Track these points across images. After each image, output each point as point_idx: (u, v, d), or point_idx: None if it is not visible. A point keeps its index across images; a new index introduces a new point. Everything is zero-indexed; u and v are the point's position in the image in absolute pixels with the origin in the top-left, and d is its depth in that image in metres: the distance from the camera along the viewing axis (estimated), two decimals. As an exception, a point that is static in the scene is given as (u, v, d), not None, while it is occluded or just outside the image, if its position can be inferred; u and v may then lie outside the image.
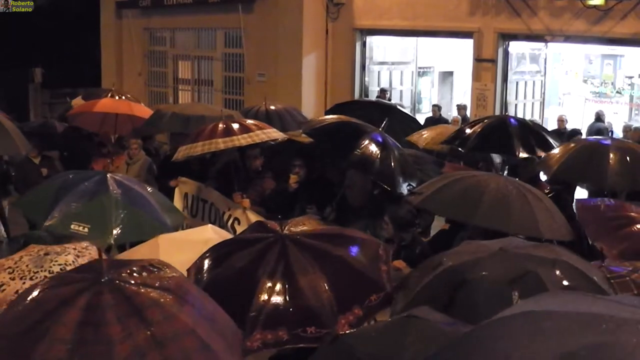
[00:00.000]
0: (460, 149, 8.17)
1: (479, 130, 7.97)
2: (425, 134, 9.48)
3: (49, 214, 5.30)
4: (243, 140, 7.00)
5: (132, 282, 2.81)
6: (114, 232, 5.30)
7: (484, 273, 3.65)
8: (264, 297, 3.80)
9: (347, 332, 3.43)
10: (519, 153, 7.66)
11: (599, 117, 14.63)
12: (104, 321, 2.61)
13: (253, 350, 3.66)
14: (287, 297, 3.82)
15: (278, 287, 3.84)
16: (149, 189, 6.05)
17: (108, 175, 5.72)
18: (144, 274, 2.90)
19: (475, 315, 3.21)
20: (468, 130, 8.15)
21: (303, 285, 3.84)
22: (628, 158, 6.43)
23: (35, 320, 2.60)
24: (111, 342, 2.55)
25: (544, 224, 5.16)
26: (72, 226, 5.23)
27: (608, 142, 7.00)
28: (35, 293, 2.79)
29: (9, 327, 2.64)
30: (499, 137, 7.87)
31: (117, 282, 2.78)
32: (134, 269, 2.91)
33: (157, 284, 2.83)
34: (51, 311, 2.63)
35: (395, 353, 2.95)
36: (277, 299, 3.81)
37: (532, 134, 7.87)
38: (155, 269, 2.98)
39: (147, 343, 2.59)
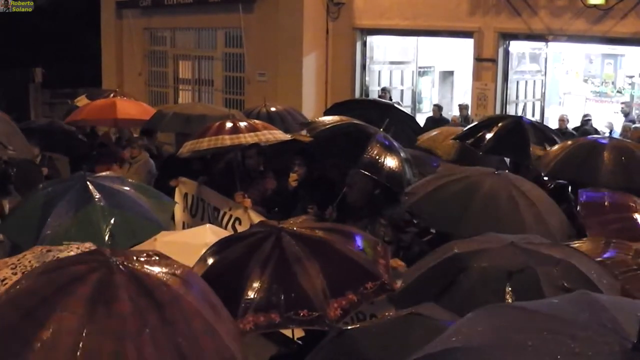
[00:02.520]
0: (474, 148, 8.05)
1: (494, 132, 7.92)
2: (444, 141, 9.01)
3: (37, 238, 5.11)
4: (250, 138, 7.03)
5: (140, 265, 2.90)
6: (107, 243, 5.16)
7: (484, 264, 3.76)
8: (257, 282, 3.90)
9: (351, 327, 3.46)
10: (533, 159, 7.66)
11: (585, 123, 14.56)
12: (115, 298, 2.68)
13: (245, 332, 3.74)
14: (280, 282, 3.90)
15: (271, 273, 3.93)
16: (131, 183, 5.89)
17: (87, 182, 5.50)
18: (150, 259, 3.00)
19: (466, 304, 3.33)
20: (482, 131, 8.08)
21: (296, 271, 3.93)
22: (623, 157, 6.48)
23: (47, 294, 2.68)
24: (123, 317, 2.63)
25: (532, 231, 5.02)
26: None
27: (605, 140, 7.04)
28: (46, 270, 2.89)
29: (22, 300, 2.71)
30: (516, 141, 7.84)
31: (126, 263, 2.86)
32: (139, 255, 3.02)
33: (163, 269, 2.94)
34: (63, 286, 2.70)
35: (399, 350, 2.97)
36: (270, 284, 3.89)
37: (547, 140, 7.88)
38: (158, 257, 3.08)
39: (157, 322, 2.67)
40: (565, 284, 3.55)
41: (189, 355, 2.69)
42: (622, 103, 16.40)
